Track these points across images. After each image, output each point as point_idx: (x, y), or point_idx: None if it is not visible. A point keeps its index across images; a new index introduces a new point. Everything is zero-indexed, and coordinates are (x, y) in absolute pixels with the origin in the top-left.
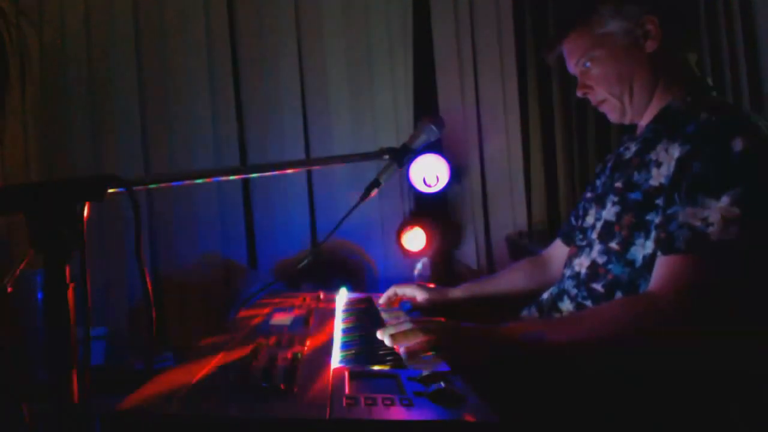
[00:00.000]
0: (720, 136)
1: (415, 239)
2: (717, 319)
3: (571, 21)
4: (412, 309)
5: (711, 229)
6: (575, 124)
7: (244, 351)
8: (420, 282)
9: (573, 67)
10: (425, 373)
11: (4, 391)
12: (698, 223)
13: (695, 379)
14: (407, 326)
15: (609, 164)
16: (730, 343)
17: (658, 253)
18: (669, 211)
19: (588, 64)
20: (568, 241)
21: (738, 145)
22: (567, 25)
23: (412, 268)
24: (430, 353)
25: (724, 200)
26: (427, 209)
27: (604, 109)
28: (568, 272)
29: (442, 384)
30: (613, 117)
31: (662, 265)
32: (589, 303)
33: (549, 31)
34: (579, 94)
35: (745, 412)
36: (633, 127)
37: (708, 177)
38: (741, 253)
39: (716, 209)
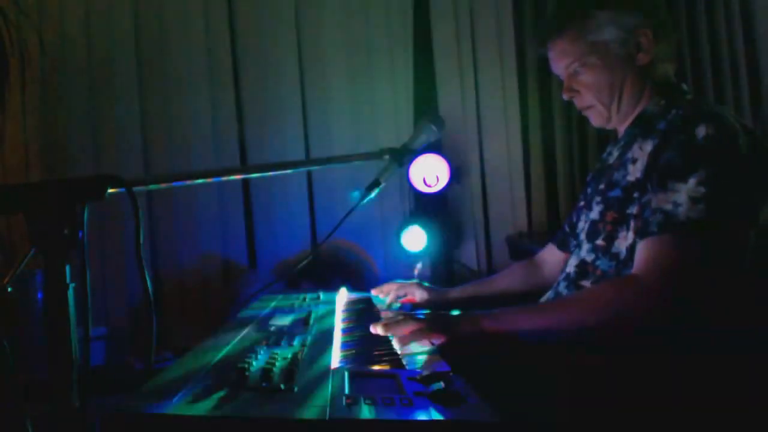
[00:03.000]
0: (685, 126)
1: (415, 239)
2: (693, 292)
3: (567, 22)
4: (413, 309)
5: (680, 209)
6: (575, 124)
7: (244, 351)
8: (418, 282)
9: (561, 70)
10: (425, 373)
11: (4, 391)
12: (669, 207)
13: (695, 377)
14: (399, 317)
15: (596, 172)
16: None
17: (636, 240)
18: (643, 200)
19: (579, 69)
20: (562, 247)
21: (701, 131)
22: (562, 25)
23: (412, 268)
24: (422, 340)
25: (691, 182)
26: (427, 209)
27: (588, 114)
28: (562, 275)
29: (442, 384)
30: (597, 122)
31: (639, 249)
32: None
33: (541, 26)
34: (565, 96)
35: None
36: (615, 132)
37: (675, 163)
38: (709, 229)
39: (684, 191)
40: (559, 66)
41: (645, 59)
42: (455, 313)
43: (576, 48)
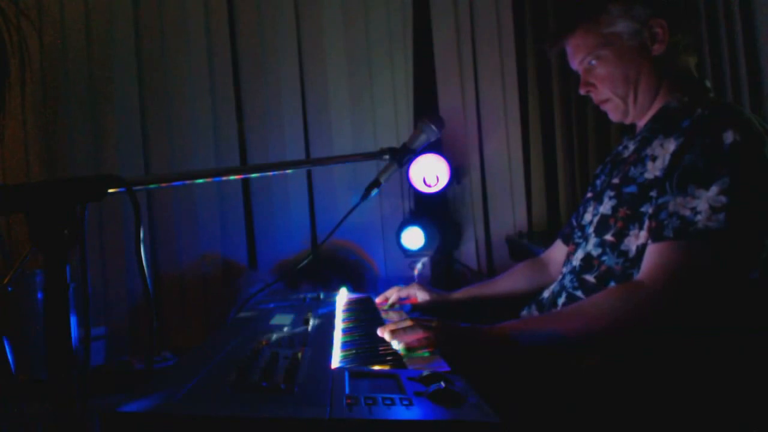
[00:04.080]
0: (712, 129)
1: (415, 239)
2: (702, 303)
3: (579, 17)
4: (412, 309)
5: (699, 218)
6: (575, 124)
7: (244, 351)
8: (420, 284)
9: (577, 64)
10: (425, 373)
11: (5, 391)
12: (687, 212)
13: (695, 376)
14: (406, 323)
15: (608, 164)
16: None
17: (648, 242)
18: (660, 201)
19: (593, 62)
20: (568, 241)
21: (729, 137)
22: (574, 20)
23: (412, 268)
24: (429, 349)
25: (713, 190)
26: (427, 209)
27: (606, 108)
28: (566, 269)
29: (442, 384)
30: (615, 117)
31: (651, 253)
32: (579, 293)
33: (554, 25)
34: (582, 91)
35: (745, 408)
36: (633, 126)
37: (698, 168)
38: (727, 240)
39: (705, 199)
40: (575, 61)
41: (660, 49)
42: (454, 317)
43: (589, 42)
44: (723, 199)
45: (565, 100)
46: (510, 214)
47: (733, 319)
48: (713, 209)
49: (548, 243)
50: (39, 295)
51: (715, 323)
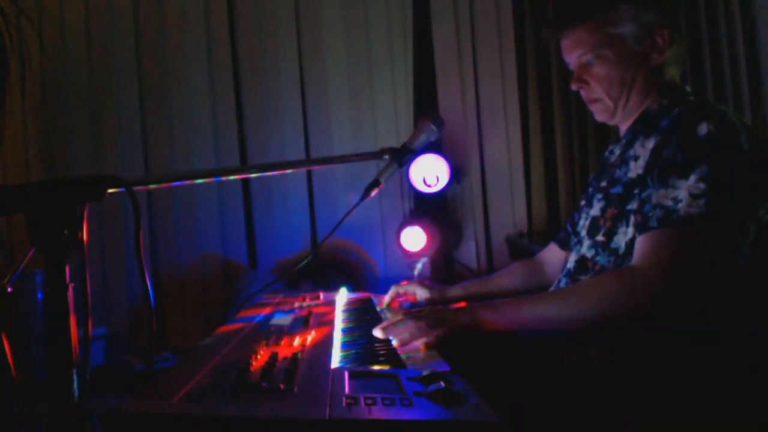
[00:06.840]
0: (687, 123)
1: (415, 239)
2: (691, 284)
3: (589, 11)
4: (411, 307)
5: (680, 205)
6: (575, 124)
7: (244, 351)
8: (420, 281)
9: (574, 59)
10: (425, 373)
11: (5, 391)
12: (669, 203)
13: (695, 376)
14: (397, 318)
15: (598, 171)
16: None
17: (636, 234)
18: (643, 195)
19: (592, 60)
20: (563, 246)
21: (703, 129)
22: (584, 13)
23: (412, 268)
24: (421, 339)
25: (692, 179)
26: (427, 209)
27: (594, 107)
28: (563, 272)
29: (442, 384)
30: (601, 117)
31: (639, 244)
32: None
33: (558, 12)
34: (574, 87)
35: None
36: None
37: (677, 160)
38: (709, 223)
39: (684, 187)
40: (572, 55)
41: (659, 59)
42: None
43: (593, 38)
44: (702, 185)
45: (565, 100)
46: (510, 214)
47: (726, 309)
48: (693, 196)
49: (548, 243)
50: (39, 295)
51: (709, 313)
